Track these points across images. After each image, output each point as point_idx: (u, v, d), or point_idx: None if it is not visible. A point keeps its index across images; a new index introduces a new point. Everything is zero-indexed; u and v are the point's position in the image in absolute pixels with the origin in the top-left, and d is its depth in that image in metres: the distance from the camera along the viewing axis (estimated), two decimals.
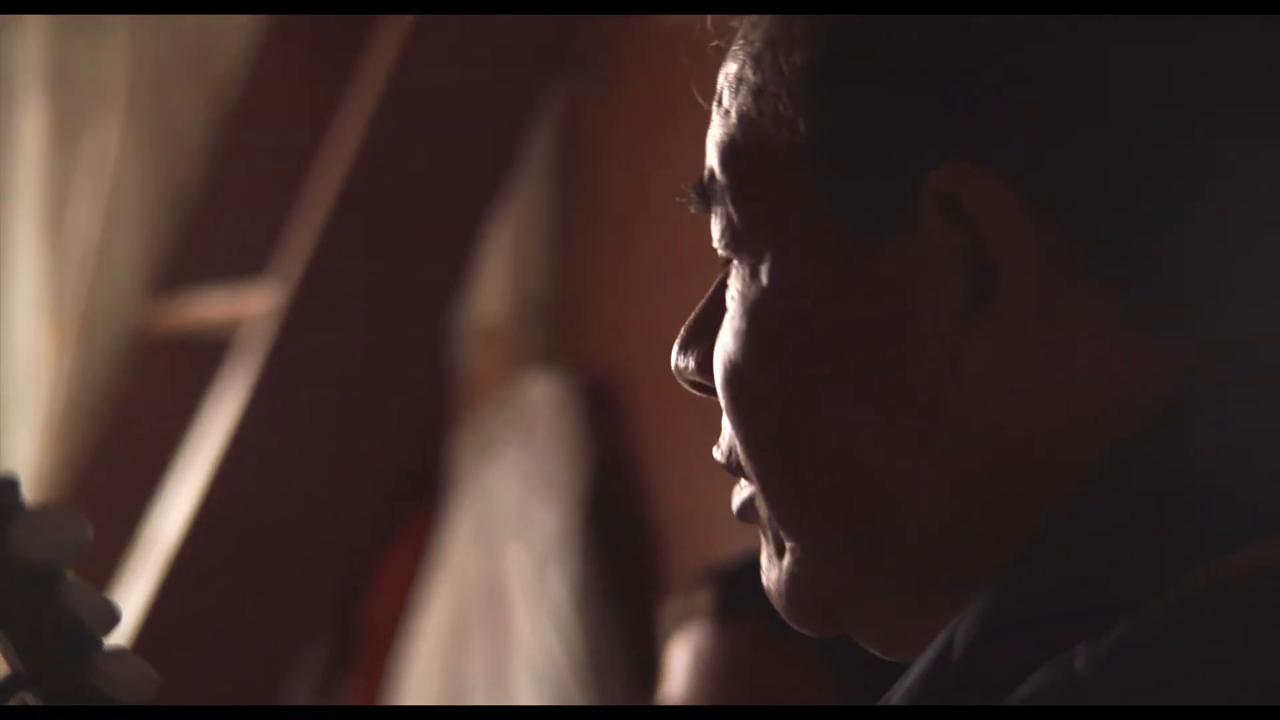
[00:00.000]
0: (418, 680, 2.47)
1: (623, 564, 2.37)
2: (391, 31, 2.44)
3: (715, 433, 0.81)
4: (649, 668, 2.02)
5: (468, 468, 2.52)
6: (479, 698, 2.41)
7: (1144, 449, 0.72)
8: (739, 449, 0.78)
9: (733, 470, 0.79)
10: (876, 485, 0.75)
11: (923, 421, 0.74)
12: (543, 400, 2.45)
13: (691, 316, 0.81)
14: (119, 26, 2.69)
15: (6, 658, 0.76)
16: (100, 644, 0.77)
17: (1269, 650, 0.67)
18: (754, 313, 0.76)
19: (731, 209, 0.77)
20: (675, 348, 0.81)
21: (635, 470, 2.39)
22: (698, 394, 0.81)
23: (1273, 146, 0.72)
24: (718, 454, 0.80)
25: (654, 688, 1.70)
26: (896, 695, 0.72)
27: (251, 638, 2.32)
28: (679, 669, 1.62)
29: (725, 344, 0.77)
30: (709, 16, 0.81)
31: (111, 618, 0.78)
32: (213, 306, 2.63)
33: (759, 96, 0.76)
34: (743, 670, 1.60)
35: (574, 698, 2.30)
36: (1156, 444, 0.72)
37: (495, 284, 2.57)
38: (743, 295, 0.77)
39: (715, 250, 0.79)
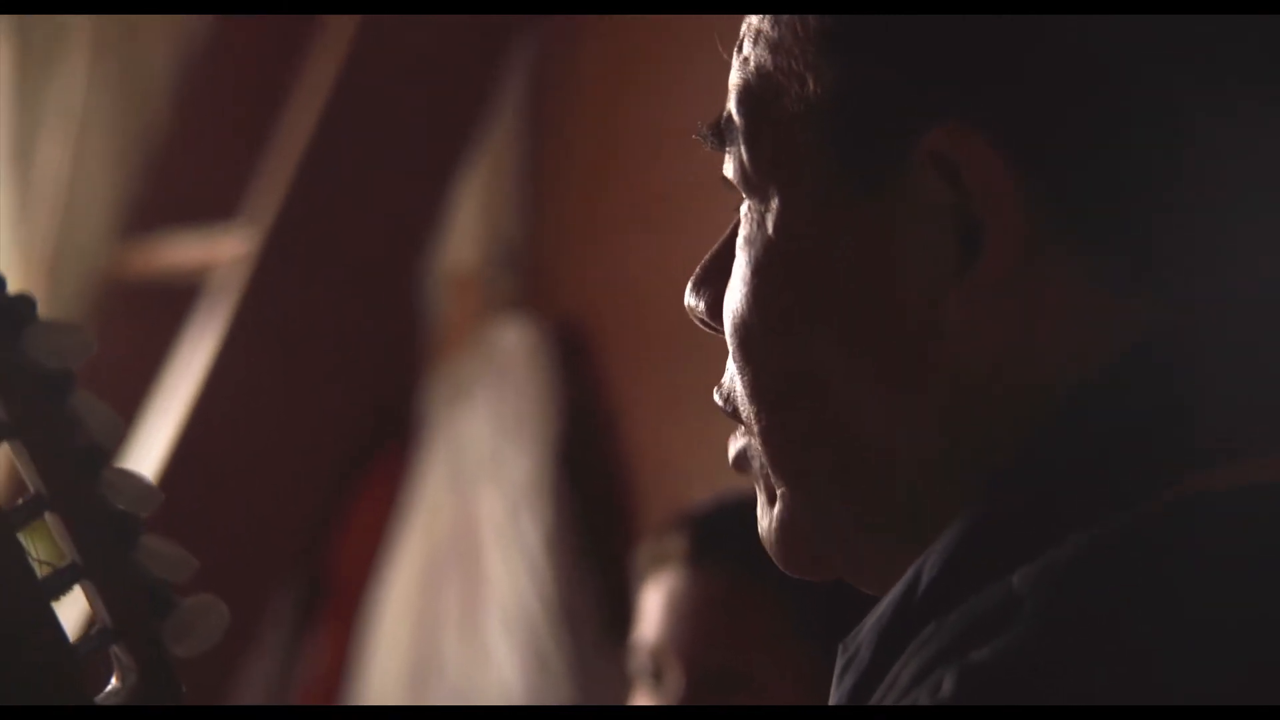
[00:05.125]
0: (390, 624, 2.47)
1: (594, 508, 2.38)
2: None
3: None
4: (621, 612, 2.03)
5: (440, 413, 2.53)
6: (451, 641, 2.41)
7: (1103, 390, 0.75)
8: (738, 394, 0.81)
9: (730, 414, 0.82)
10: (866, 431, 0.78)
11: (908, 372, 0.77)
12: (514, 346, 2.45)
13: (706, 257, 0.85)
14: None
15: (24, 471, 0.76)
16: (109, 456, 0.78)
17: (1190, 571, 0.71)
18: (758, 262, 0.80)
19: (744, 152, 0.81)
20: (689, 287, 0.85)
21: (606, 415, 2.40)
22: (709, 331, 0.85)
23: (1252, 123, 0.75)
24: (717, 397, 0.83)
25: (626, 632, 1.71)
26: (868, 626, 0.76)
27: (223, 582, 2.32)
28: (652, 612, 1.63)
29: (733, 291, 0.81)
30: None
31: (117, 430, 0.78)
32: (183, 251, 2.62)
33: (775, 50, 0.80)
34: (714, 614, 1.61)
35: (546, 641, 2.31)
36: (1115, 385, 0.75)
37: (467, 230, 2.57)
38: (748, 241, 0.80)
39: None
